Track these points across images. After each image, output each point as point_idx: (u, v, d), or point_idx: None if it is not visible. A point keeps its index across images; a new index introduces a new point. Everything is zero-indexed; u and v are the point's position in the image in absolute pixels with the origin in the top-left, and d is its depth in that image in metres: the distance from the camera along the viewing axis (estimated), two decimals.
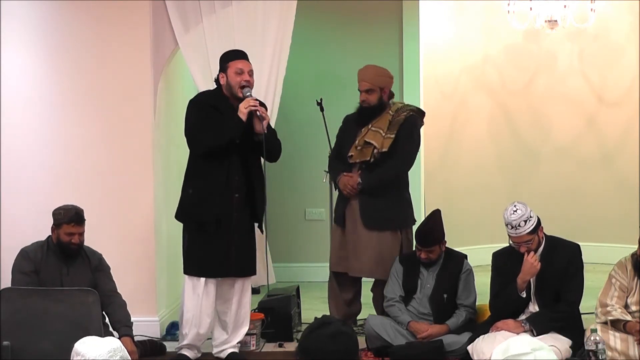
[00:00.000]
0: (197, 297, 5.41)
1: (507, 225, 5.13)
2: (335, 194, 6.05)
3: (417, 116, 5.89)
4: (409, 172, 7.12)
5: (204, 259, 5.38)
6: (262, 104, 5.42)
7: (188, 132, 5.38)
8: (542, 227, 5.22)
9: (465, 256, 5.73)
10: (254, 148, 5.40)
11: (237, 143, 5.29)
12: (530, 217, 5.13)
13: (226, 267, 5.38)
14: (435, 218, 5.67)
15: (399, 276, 5.67)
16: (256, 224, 5.52)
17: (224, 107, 5.34)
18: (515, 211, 5.11)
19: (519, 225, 5.11)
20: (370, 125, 5.77)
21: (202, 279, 5.40)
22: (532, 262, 5.13)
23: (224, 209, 5.31)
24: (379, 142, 5.72)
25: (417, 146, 5.92)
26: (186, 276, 5.47)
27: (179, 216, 5.50)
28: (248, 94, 5.29)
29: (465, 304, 5.58)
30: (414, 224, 5.98)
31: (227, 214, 5.33)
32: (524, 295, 5.20)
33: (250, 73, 5.35)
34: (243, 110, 5.24)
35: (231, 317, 5.50)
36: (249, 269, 5.50)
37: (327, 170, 6.36)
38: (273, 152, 5.43)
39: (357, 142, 5.77)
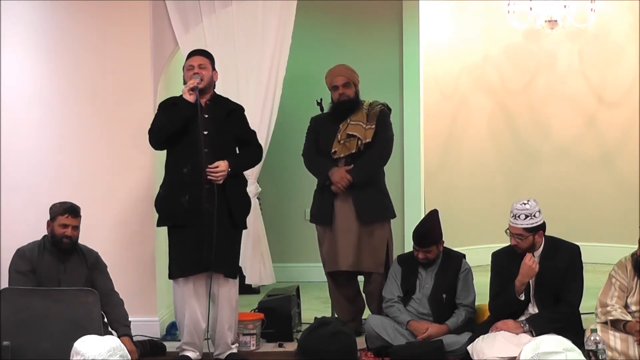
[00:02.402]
0: (185, 298, 5.40)
1: (510, 212, 5.17)
2: None
3: (387, 110, 6.00)
4: (409, 171, 7.16)
5: (180, 257, 5.37)
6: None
7: (149, 130, 5.47)
8: (542, 232, 5.22)
9: (464, 256, 5.73)
10: (225, 140, 5.43)
11: (205, 134, 5.32)
12: (535, 216, 5.14)
13: (201, 263, 5.33)
14: (433, 218, 5.67)
15: (398, 277, 5.67)
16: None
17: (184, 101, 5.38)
18: (525, 204, 5.15)
19: (519, 217, 5.14)
20: (348, 120, 5.83)
21: (188, 280, 5.38)
22: (529, 264, 5.13)
23: (194, 199, 5.30)
24: (362, 134, 5.80)
25: (393, 136, 6.03)
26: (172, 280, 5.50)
27: (158, 221, 5.52)
28: (194, 77, 5.36)
29: (465, 303, 5.58)
30: (394, 217, 6.05)
31: (196, 205, 5.30)
32: (522, 298, 5.20)
33: (201, 66, 5.41)
34: (184, 90, 5.35)
35: (219, 318, 5.48)
36: (225, 267, 5.41)
37: None
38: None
39: (339, 136, 5.81)
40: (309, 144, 6.02)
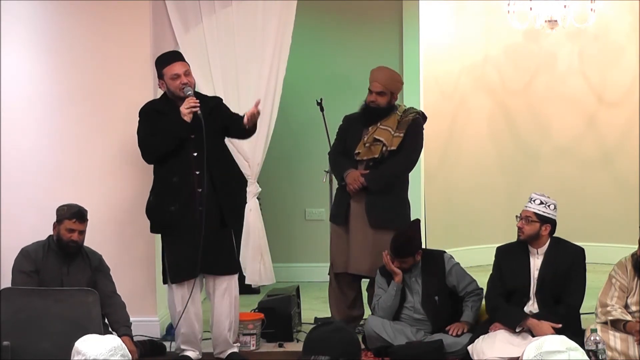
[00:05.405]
0: (182, 302, 5.39)
1: (528, 199, 5.30)
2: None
3: (421, 119, 5.93)
4: (409, 172, 7.13)
5: (174, 264, 5.36)
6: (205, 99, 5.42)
7: (139, 143, 5.41)
8: (549, 228, 5.27)
9: (444, 252, 5.71)
10: (214, 140, 5.36)
11: (192, 138, 5.28)
12: (549, 207, 5.24)
13: (195, 268, 5.33)
14: (413, 229, 5.63)
15: (385, 288, 5.62)
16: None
17: (171, 111, 5.32)
18: (545, 195, 5.27)
19: (534, 201, 5.25)
20: (378, 124, 5.79)
21: (183, 284, 5.37)
22: (551, 330, 5.06)
23: (186, 205, 5.29)
24: (389, 140, 5.74)
25: (421, 147, 5.97)
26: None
27: (151, 228, 5.52)
28: (189, 92, 5.28)
29: (469, 290, 5.57)
30: None
31: (190, 210, 5.30)
32: (518, 331, 5.17)
33: (187, 73, 5.33)
34: (184, 112, 5.24)
35: (217, 318, 5.47)
36: (218, 267, 5.42)
37: (327, 170, 6.35)
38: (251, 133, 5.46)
39: (365, 139, 5.77)
40: (337, 143, 6.01)
